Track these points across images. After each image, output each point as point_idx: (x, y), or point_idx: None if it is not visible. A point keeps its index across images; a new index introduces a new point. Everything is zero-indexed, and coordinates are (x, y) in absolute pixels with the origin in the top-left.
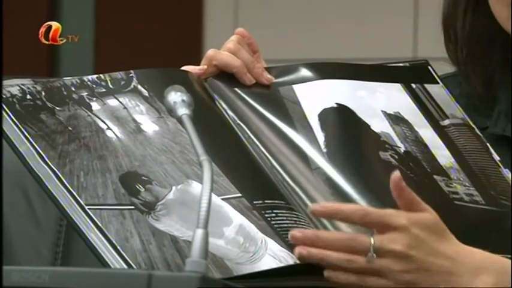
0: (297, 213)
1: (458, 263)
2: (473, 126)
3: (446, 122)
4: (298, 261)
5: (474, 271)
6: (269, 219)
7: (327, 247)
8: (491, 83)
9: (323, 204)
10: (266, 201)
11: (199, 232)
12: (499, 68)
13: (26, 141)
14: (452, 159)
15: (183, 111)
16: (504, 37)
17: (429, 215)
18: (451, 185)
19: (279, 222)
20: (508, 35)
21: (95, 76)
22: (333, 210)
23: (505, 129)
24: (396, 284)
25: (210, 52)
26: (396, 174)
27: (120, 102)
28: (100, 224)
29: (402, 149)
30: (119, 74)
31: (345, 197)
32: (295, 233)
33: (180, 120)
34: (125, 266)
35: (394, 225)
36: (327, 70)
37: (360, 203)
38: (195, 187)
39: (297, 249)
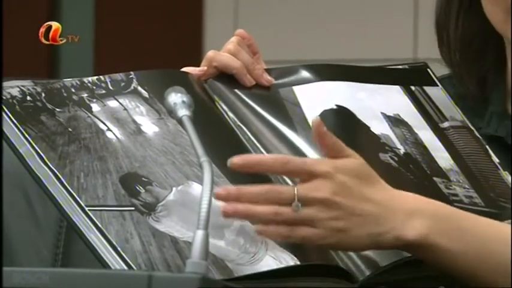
0: None
1: (388, 207)
2: (472, 128)
3: (446, 124)
4: (298, 262)
5: (406, 215)
6: None
7: (252, 202)
8: (485, 84)
9: (243, 157)
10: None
11: (200, 233)
12: (492, 69)
13: (26, 142)
14: (452, 162)
15: (183, 112)
16: (497, 38)
17: (355, 160)
18: (450, 187)
19: None
20: (500, 35)
21: (94, 77)
22: (253, 161)
23: (497, 129)
24: (327, 232)
25: (210, 53)
26: (315, 119)
27: (120, 103)
28: (100, 225)
29: (402, 151)
30: (118, 76)
31: None
32: (219, 191)
33: (180, 121)
34: (125, 267)
35: (318, 173)
36: (326, 72)
37: None
38: (195, 188)
39: (223, 207)
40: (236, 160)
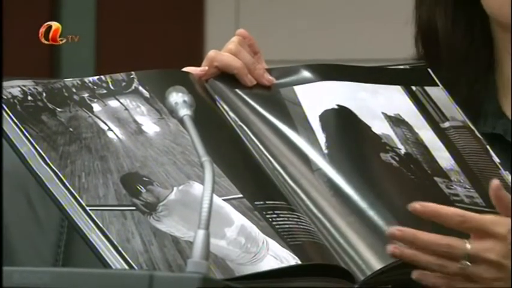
0: (298, 214)
1: None
2: (473, 128)
3: (447, 124)
4: (299, 262)
5: None
6: (270, 220)
7: (422, 249)
8: (476, 85)
9: (425, 205)
10: (267, 202)
11: (201, 233)
12: (481, 69)
13: (27, 142)
14: (453, 161)
15: (184, 112)
16: (485, 37)
17: None
18: (451, 187)
19: (280, 223)
20: (489, 36)
21: (95, 77)
22: (431, 211)
23: (495, 127)
24: None
25: (211, 53)
26: (495, 182)
27: (121, 103)
28: (101, 225)
29: (403, 151)
30: (119, 75)
31: (345, 198)
32: (394, 230)
33: (181, 121)
34: (126, 267)
35: (493, 233)
36: (327, 72)
37: (361, 205)
38: (196, 188)
39: (391, 248)
40: (418, 206)
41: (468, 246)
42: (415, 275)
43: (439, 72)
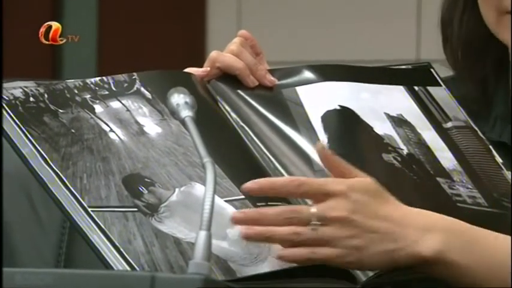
0: None
1: (402, 224)
2: (475, 128)
3: (449, 124)
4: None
5: (420, 230)
6: None
7: (271, 224)
8: (486, 85)
9: (257, 181)
10: (269, 203)
11: (203, 234)
12: (493, 70)
13: (28, 143)
14: (455, 162)
15: (186, 113)
16: (498, 39)
17: (365, 179)
18: (453, 187)
19: None
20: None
21: (97, 78)
22: (267, 185)
23: (501, 135)
24: (346, 251)
25: (213, 54)
26: (319, 144)
27: (123, 104)
28: (103, 226)
29: (405, 151)
30: (121, 76)
31: None
32: (236, 214)
33: (183, 122)
34: (128, 268)
35: (333, 192)
36: (330, 72)
37: None
38: (198, 189)
39: (243, 230)
40: (250, 185)
41: (313, 209)
42: (279, 253)
43: (456, 68)
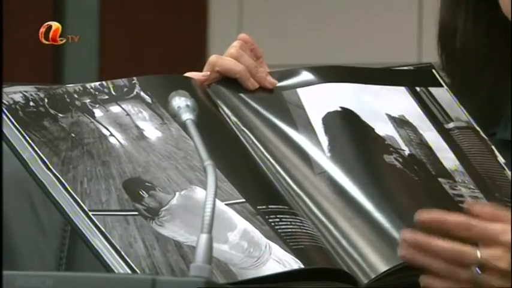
0: (300, 218)
1: None
2: (477, 129)
3: (451, 125)
4: (302, 266)
5: None
6: (273, 224)
7: (434, 255)
8: (496, 89)
9: (432, 215)
10: (270, 206)
11: (204, 237)
12: (501, 76)
13: (29, 147)
14: (457, 162)
15: (187, 116)
16: (503, 43)
17: None
18: (455, 188)
19: (282, 227)
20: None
21: (97, 83)
22: (439, 221)
23: None
24: None
25: (212, 58)
26: (468, 203)
27: (123, 108)
28: (104, 230)
29: (407, 152)
30: (121, 81)
31: (349, 201)
32: (407, 234)
33: (184, 125)
34: (129, 271)
35: (500, 242)
36: (330, 73)
37: (365, 207)
38: (199, 193)
39: (403, 251)
40: (426, 216)
41: (479, 254)
42: (423, 281)
43: (457, 77)
